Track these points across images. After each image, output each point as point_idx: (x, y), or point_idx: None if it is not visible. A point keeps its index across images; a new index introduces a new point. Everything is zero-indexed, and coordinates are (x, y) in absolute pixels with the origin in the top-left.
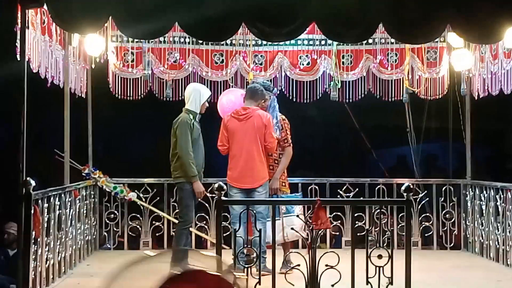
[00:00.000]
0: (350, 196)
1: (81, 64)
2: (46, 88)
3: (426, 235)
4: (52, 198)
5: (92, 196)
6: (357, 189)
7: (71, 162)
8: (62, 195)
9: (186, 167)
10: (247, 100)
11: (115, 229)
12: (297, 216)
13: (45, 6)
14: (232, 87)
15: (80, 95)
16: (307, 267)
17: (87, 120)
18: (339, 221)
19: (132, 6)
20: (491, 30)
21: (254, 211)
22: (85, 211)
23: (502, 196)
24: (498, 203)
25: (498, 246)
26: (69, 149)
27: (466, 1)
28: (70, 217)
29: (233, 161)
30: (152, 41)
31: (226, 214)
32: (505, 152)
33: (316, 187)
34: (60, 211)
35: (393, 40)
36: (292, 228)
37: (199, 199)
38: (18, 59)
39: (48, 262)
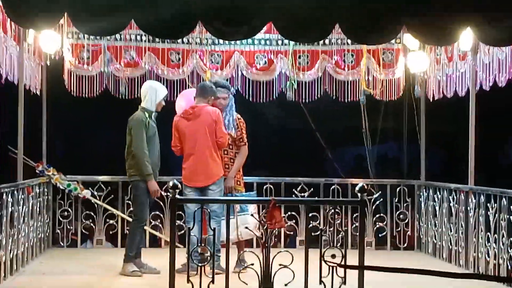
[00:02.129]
0: (305, 196)
1: (36, 61)
2: (0, 84)
3: (380, 235)
4: (4, 195)
5: (46, 193)
6: (312, 189)
7: (25, 159)
8: (15, 192)
9: (141, 165)
10: (197, 97)
11: (68, 226)
12: (251, 215)
13: None
14: (189, 86)
15: (35, 92)
16: (260, 266)
17: (42, 117)
18: (294, 221)
19: (88, 3)
20: (446, 32)
21: (209, 210)
22: (38, 209)
23: (455, 197)
24: (451, 204)
25: (450, 247)
26: (23, 146)
27: (422, 3)
28: (23, 214)
29: (187, 161)
30: (108, 39)
31: (180, 212)
32: (459, 153)
33: (271, 187)
34: (13, 208)
35: (349, 41)
36: (246, 227)
37: (154, 198)
38: None
39: None
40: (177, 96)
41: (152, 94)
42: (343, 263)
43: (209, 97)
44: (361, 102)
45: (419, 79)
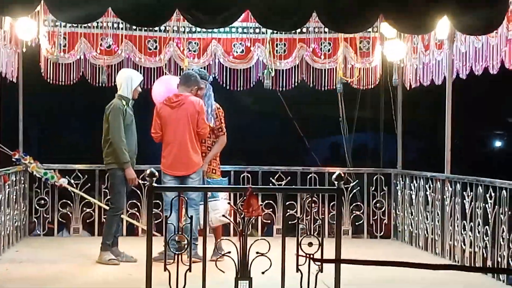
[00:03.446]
0: (282, 185)
1: (12, 48)
2: None
3: (356, 224)
4: None
5: (22, 181)
6: (289, 177)
7: (1, 147)
8: None
9: (119, 153)
10: (180, 86)
11: (45, 215)
12: (228, 203)
13: None
14: (166, 74)
15: (11, 79)
16: (237, 255)
17: (18, 105)
18: (271, 209)
19: None
20: (423, 20)
21: (187, 198)
22: (14, 197)
23: (431, 185)
24: (427, 193)
25: (427, 235)
26: None
27: None
28: None
29: (167, 149)
30: (85, 26)
31: (158, 201)
32: (435, 142)
33: (249, 175)
34: None
35: (326, 30)
36: (223, 215)
37: (132, 186)
38: None
39: None
40: (153, 83)
41: (128, 81)
42: (319, 252)
43: (192, 86)
44: (338, 90)
45: (397, 68)
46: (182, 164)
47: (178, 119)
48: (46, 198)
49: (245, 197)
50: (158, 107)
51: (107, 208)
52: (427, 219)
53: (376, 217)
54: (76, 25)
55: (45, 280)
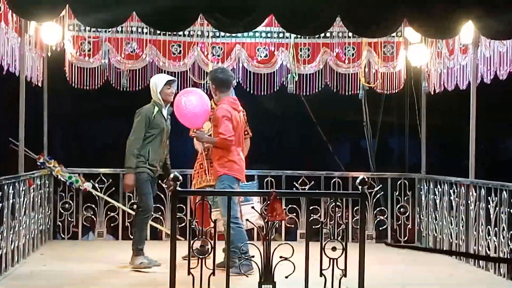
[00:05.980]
0: (306, 189)
1: (37, 53)
2: (2, 75)
3: (380, 228)
4: (5, 186)
5: (47, 185)
6: (312, 182)
7: (26, 151)
8: (16, 183)
9: (126, 156)
10: (221, 91)
11: (69, 219)
12: (252, 207)
13: None
14: (190, 78)
15: (36, 83)
16: (261, 259)
17: (43, 109)
18: (295, 214)
19: None
20: (447, 25)
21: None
22: (39, 201)
23: (455, 190)
24: (451, 198)
25: (451, 240)
26: (24, 138)
27: None
28: (24, 206)
29: (235, 153)
30: (109, 31)
31: (181, 205)
32: (460, 146)
33: (272, 180)
34: (14, 200)
35: (350, 34)
36: (247, 220)
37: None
38: None
39: (1, 251)
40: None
41: (153, 86)
42: (343, 255)
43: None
44: (360, 97)
45: (426, 73)
46: (244, 169)
47: (239, 123)
48: (70, 202)
49: (269, 202)
50: (229, 109)
51: (131, 212)
52: (451, 224)
53: (400, 222)
54: (100, 29)
55: (70, 283)
